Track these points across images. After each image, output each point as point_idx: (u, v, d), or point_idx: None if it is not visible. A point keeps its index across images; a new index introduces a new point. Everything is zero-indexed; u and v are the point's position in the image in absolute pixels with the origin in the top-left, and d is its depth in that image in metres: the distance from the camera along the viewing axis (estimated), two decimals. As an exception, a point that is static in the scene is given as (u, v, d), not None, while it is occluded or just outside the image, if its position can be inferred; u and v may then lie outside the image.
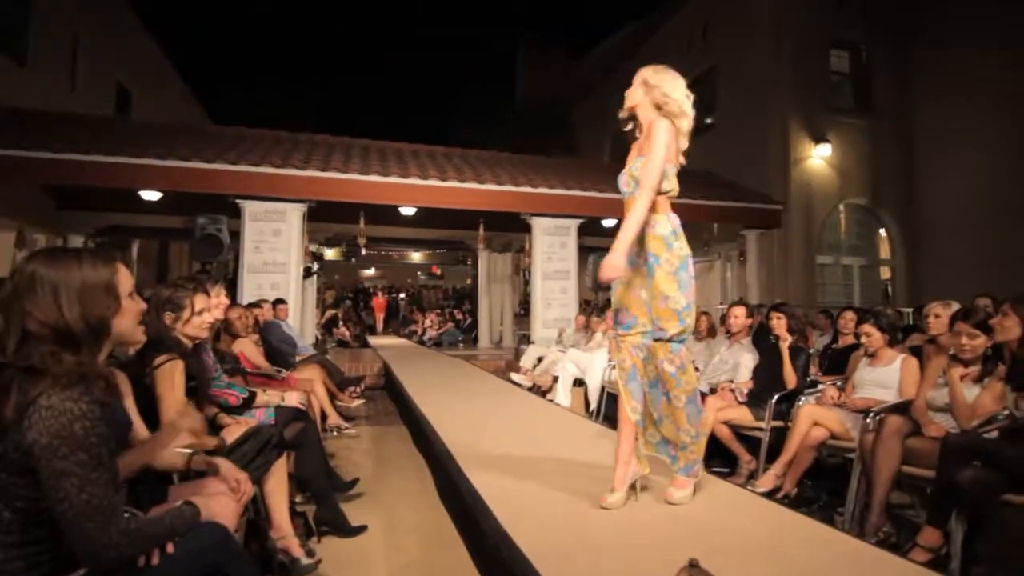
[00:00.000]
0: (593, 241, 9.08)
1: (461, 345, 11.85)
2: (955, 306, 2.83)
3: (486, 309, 11.28)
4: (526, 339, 8.73)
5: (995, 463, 2.14)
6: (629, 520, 2.06)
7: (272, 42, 35.46)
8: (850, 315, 4.02)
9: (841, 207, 10.61)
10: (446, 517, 2.85)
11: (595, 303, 13.47)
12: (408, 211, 8.54)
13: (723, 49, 11.37)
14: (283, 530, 2.20)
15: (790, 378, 3.45)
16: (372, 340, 12.62)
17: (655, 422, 2.26)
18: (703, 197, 8.86)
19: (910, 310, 8.03)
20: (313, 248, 9.34)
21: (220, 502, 1.51)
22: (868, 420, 2.71)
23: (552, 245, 8.40)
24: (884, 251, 11.04)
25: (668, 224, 2.16)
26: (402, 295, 19.42)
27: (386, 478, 3.63)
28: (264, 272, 7.16)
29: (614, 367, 5.18)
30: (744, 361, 3.95)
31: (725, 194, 9.44)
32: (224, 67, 27.65)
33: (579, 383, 5.72)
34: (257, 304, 5.29)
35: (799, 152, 10.13)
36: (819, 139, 10.16)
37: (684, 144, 2.24)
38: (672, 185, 2.19)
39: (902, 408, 2.74)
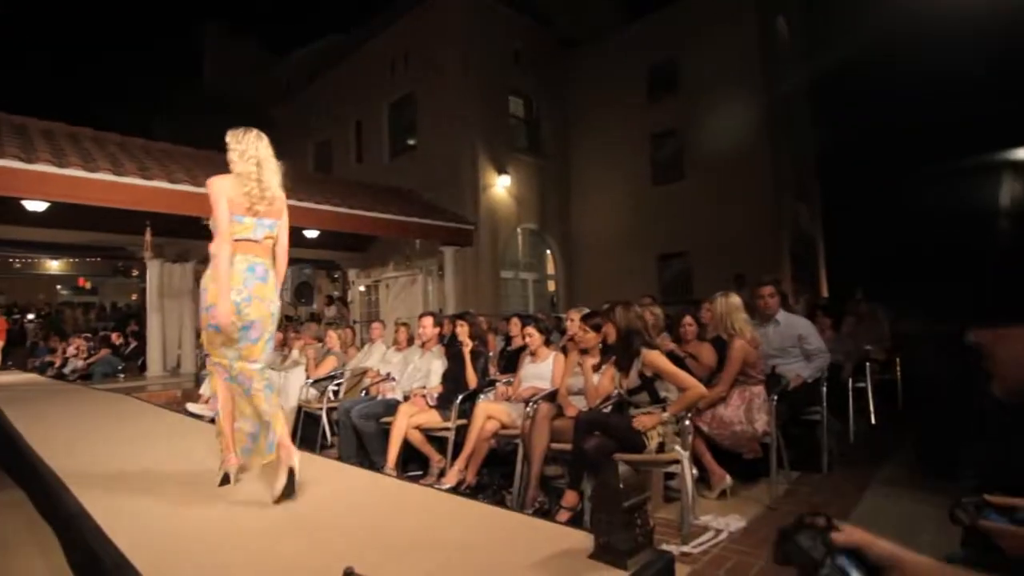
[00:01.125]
0: (294, 252, 8.53)
1: (122, 376, 9.64)
2: (584, 311, 3.60)
3: (158, 329, 9.43)
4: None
5: (609, 431, 2.78)
6: (306, 539, 1.97)
7: None
8: (514, 320, 4.67)
9: (519, 230, 12.45)
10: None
11: (296, 317, 12.68)
12: (35, 206, 6.59)
13: (422, 78, 12.19)
14: None
15: (471, 379, 3.83)
16: (-26, 379, 9.24)
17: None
18: (408, 215, 9.24)
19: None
20: None
21: None
22: (527, 409, 3.21)
23: (243, 255, 7.55)
24: (550, 267, 13.37)
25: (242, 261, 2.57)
26: (30, 316, 14.82)
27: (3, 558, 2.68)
28: None
29: (312, 384, 4.96)
30: (435, 368, 4.24)
31: (426, 212, 10.05)
32: None
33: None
34: None
35: (486, 180, 11.52)
36: (501, 171, 11.75)
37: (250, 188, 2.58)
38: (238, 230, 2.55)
39: (552, 396, 3.33)
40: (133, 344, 10.56)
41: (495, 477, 3.55)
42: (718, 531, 2.74)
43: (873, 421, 5.08)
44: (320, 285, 14.78)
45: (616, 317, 2.88)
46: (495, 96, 11.98)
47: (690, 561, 2.47)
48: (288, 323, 7.81)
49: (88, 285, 17.81)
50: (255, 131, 2.72)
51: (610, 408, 3.00)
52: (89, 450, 3.70)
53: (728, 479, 3.24)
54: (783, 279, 10.21)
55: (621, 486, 1.75)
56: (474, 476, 3.40)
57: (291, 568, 1.82)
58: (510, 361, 4.90)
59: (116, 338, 10.84)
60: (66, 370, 9.92)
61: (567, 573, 1.73)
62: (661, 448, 2.68)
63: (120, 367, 9.95)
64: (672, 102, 11.64)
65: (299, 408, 5.04)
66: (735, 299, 3.44)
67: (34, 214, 6.82)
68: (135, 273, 13.60)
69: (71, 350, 10.59)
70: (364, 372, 5.17)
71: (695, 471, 2.90)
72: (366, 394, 4.63)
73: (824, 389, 3.77)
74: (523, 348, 4.49)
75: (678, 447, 2.68)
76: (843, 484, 3.53)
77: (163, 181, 6.65)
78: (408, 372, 4.41)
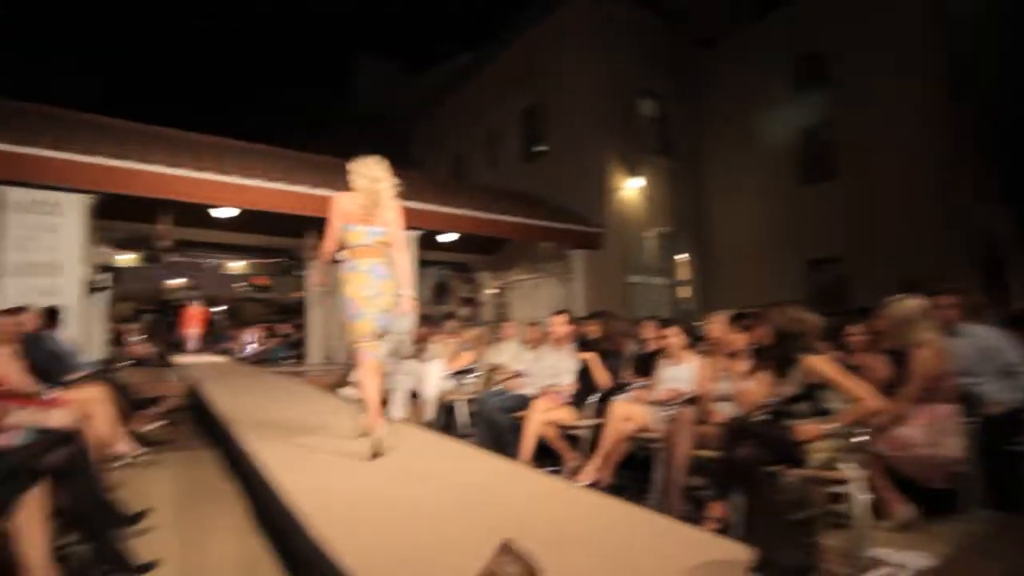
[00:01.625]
0: (424, 255, 9.06)
1: (288, 362, 10.93)
2: (729, 313, 3.36)
3: (318, 323, 10.57)
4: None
5: (763, 442, 2.55)
6: (452, 521, 2.04)
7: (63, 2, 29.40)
8: (648, 324, 4.49)
9: (650, 233, 12.05)
10: (262, 547, 2.56)
11: (435, 316, 13.42)
12: (226, 213, 7.71)
13: (550, 85, 12.34)
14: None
15: (601, 378, 3.76)
16: (179, 359, 11.05)
17: None
18: (537, 218, 9.40)
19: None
20: (101, 253, 7.91)
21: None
22: (669, 412, 3.06)
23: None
24: (683, 273, 12.76)
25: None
26: (219, 308, 17.37)
27: (191, 509, 3.16)
28: (31, 275, 5.89)
29: (452, 376, 5.20)
30: (566, 366, 4.22)
31: (555, 216, 10.13)
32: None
33: (416, 396, 5.62)
34: (18, 310, 4.31)
35: (615, 183, 11.32)
36: (632, 173, 11.47)
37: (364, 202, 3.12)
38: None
39: (695, 400, 3.14)
40: (297, 335, 11.90)
41: (632, 480, 3.44)
42: (899, 567, 2.39)
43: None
44: (455, 286, 15.53)
45: (772, 317, 2.64)
46: (624, 98, 11.75)
47: (862, 595, 2.18)
48: (427, 320, 8.30)
49: (264, 282, 20.46)
50: (375, 157, 3.23)
51: (764, 417, 2.75)
52: (262, 418, 4.22)
53: (910, 509, 2.81)
54: (968, 289, 8.77)
55: (789, 497, 1.59)
56: (609, 476, 3.32)
57: (443, 540, 1.90)
58: (643, 365, 4.75)
59: (287, 328, 12.30)
60: (245, 354, 11.48)
61: (725, 584, 1.61)
62: (828, 466, 2.40)
63: (286, 354, 11.28)
64: (822, 94, 10.56)
65: (439, 398, 5.31)
66: (917, 304, 2.99)
67: (222, 219, 7.98)
68: (302, 272, 15.37)
69: (247, 338, 12.24)
70: (495, 368, 5.34)
71: (871, 495, 2.56)
72: (500, 389, 4.75)
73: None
74: (657, 352, 4.33)
75: (846, 465, 2.38)
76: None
77: (326, 189, 7.44)
78: (540, 369, 4.45)
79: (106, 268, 7.39)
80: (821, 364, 2.46)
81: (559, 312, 4.60)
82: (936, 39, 9.43)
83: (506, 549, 1.04)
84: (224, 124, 10.70)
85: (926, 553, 2.49)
